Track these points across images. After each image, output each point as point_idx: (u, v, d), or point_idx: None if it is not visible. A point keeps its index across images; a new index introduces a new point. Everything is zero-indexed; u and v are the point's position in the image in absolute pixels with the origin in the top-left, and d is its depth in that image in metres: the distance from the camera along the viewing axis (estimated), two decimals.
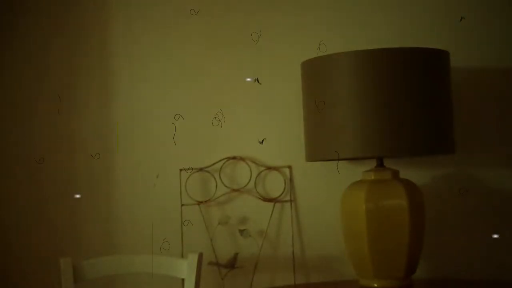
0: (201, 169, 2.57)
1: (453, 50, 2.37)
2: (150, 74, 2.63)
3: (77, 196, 2.55)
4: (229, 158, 2.56)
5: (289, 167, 2.54)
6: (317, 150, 2.22)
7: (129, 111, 2.64)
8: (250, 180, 2.55)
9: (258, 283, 2.53)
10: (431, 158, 2.47)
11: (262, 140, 2.49)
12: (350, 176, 2.47)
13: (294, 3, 2.56)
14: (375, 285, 2.21)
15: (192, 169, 2.56)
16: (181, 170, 2.57)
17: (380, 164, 2.27)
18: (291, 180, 2.54)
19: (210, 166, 2.57)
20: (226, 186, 2.56)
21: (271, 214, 2.54)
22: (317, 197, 2.52)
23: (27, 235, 2.67)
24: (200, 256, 2.25)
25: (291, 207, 2.53)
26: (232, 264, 2.52)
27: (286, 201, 2.54)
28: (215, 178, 2.56)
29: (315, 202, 2.52)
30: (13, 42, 2.71)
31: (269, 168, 2.55)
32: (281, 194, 2.54)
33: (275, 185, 2.55)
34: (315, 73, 2.20)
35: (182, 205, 2.57)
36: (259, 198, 2.54)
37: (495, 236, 2.42)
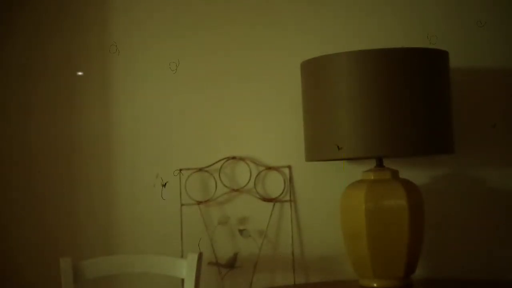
0: (200, 169, 2.57)
1: (453, 50, 2.37)
2: (150, 74, 2.63)
3: (80, 73, 2.49)
4: (228, 158, 2.56)
5: (289, 167, 2.54)
6: (316, 150, 2.22)
7: (129, 110, 2.63)
8: (249, 180, 2.55)
9: (258, 283, 2.53)
10: (431, 158, 2.47)
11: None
12: (350, 176, 2.47)
13: (295, 3, 2.55)
14: (375, 285, 2.21)
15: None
16: (180, 170, 2.57)
17: (380, 164, 2.27)
18: (290, 180, 2.54)
19: (210, 166, 2.57)
20: (225, 186, 2.56)
21: (271, 214, 2.54)
22: (316, 197, 2.52)
23: (26, 235, 2.67)
24: (200, 256, 2.25)
25: (291, 207, 2.53)
26: (231, 264, 2.52)
27: (285, 201, 2.54)
28: (214, 178, 2.56)
29: (315, 202, 2.52)
30: (11, 41, 2.71)
31: (269, 168, 2.55)
32: (281, 194, 2.54)
33: (274, 185, 2.55)
34: (315, 73, 2.20)
35: (182, 205, 2.56)
36: (259, 198, 2.54)
37: (495, 236, 2.43)
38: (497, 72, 2.44)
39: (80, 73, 2.34)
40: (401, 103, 2.10)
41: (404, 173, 2.42)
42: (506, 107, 2.44)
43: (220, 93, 2.59)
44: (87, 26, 2.66)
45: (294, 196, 2.54)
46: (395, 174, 2.24)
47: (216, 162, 2.57)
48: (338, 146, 2.13)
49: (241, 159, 2.56)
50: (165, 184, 2.59)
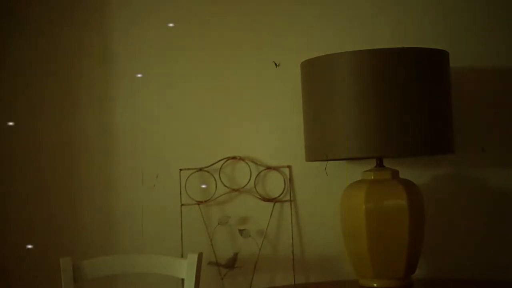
0: (201, 169, 2.57)
1: (453, 50, 2.37)
2: (151, 74, 2.63)
3: None
4: (228, 158, 2.56)
5: (289, 167, 2.54)
6: (317, 150, 2.22)
7: (129, 110, 2.64)
8: (249, 180, 2.55)
9: (258, 283, 2.53)
10: (431, 158, 2.47)
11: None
12: (350, 176, 2.47)
13: (294, 3, 2.55)
14: (375, 285, 2.21)
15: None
16: (181, 170, 2.57)
17: (380, 164, 2.27)
18: (290, 180, 2.54)
19: (210, 166, 2.57)
20: (226, 186, 2.56)
21: (271, 214, 2.54)
22: (317, 197, 2.52)
23: (27, 235, 2.66)
24: (200, 256, 2.25)
25: (291, 207, 2.53)
26: (231, 264, 2.52)
27: (285, 201, 2.54)
28: (214, 178, 2.56)
29: (315, 202, 2.52)
30: (14, 40, 2.71)
31: (269, 168, 2.55)
32: (281, 194, 2.54)
33: (274, 185, 2.55)
34: (315, 73, 2.20)
35: (182, 205, 2.56)
36: (259, 198, 2.54)
37: (495, 236, 2.43)
38: (497, 72, 2.44)
39: None
40: (401, 103, 2.10)
41: (404, 173, 2.42)
42: (506, 107, 2.44)
43: (220, 93, 2.59)
44: (89, 26, 2.67)
45: (294, 196, 2.54)
46: (395, 174, 2.24)
47: (216, 162, 2.57)
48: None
49: (241, 159, 2.56)
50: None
